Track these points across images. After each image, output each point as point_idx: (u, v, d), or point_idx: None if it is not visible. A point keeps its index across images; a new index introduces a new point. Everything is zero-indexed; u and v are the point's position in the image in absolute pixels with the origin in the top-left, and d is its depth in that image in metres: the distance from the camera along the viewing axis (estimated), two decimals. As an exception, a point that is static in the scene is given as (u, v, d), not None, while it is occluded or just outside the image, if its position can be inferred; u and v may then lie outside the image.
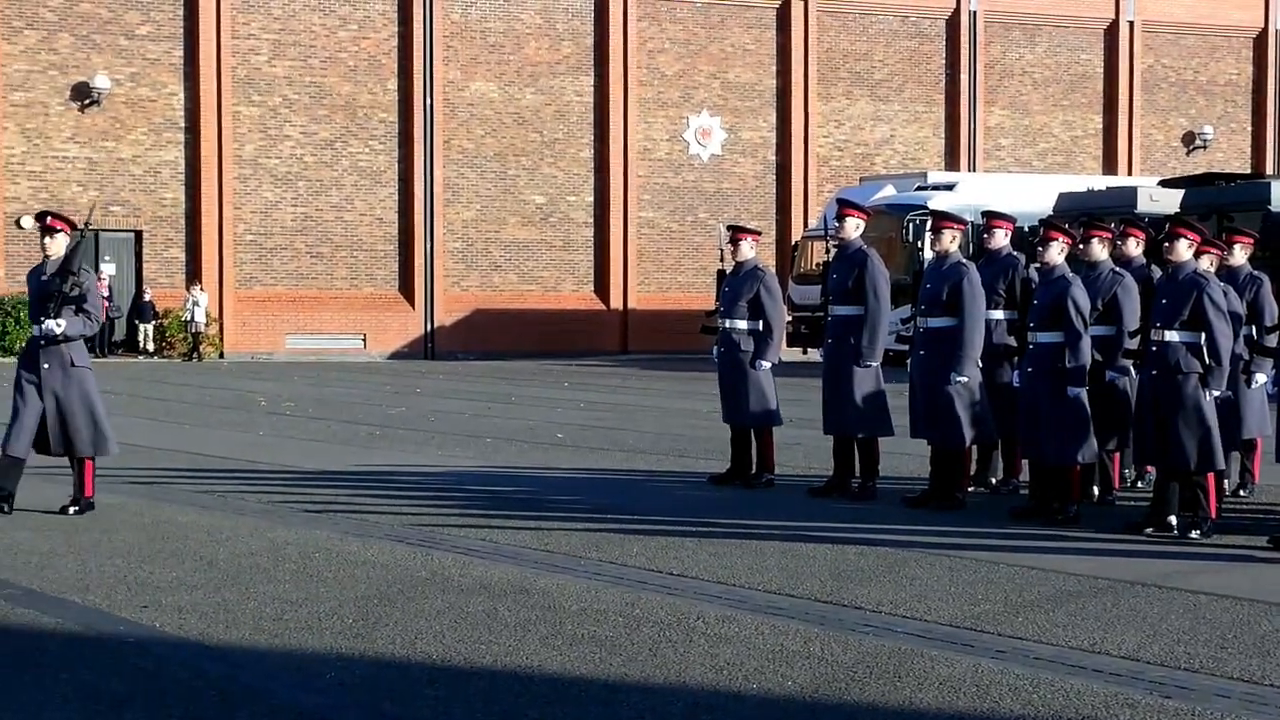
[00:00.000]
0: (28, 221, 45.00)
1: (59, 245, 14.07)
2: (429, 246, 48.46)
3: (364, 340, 47.94)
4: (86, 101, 45.74)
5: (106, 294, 44.83)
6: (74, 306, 13.82)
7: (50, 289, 13.87)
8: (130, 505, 14.74)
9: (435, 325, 48.66)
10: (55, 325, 13.78)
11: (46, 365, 13.89)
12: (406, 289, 48.66)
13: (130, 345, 46.31)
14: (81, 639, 9.28)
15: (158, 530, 13.22)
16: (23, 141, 45.39)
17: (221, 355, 46.26)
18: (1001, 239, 15.46)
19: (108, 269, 45.99)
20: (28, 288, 14.44)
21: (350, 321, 47.79)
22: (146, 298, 45.98)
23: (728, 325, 16.55)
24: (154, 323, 46.08)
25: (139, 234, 46.54)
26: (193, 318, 45.17)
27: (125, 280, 46.41)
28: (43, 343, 13.89)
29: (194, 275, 46.06)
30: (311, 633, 9.34)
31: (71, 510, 13.98)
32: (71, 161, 45.80)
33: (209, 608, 10.00)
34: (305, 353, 46.90)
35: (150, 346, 45.98)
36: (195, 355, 45.23)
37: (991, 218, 15.61)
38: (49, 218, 14.20)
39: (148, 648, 9.03)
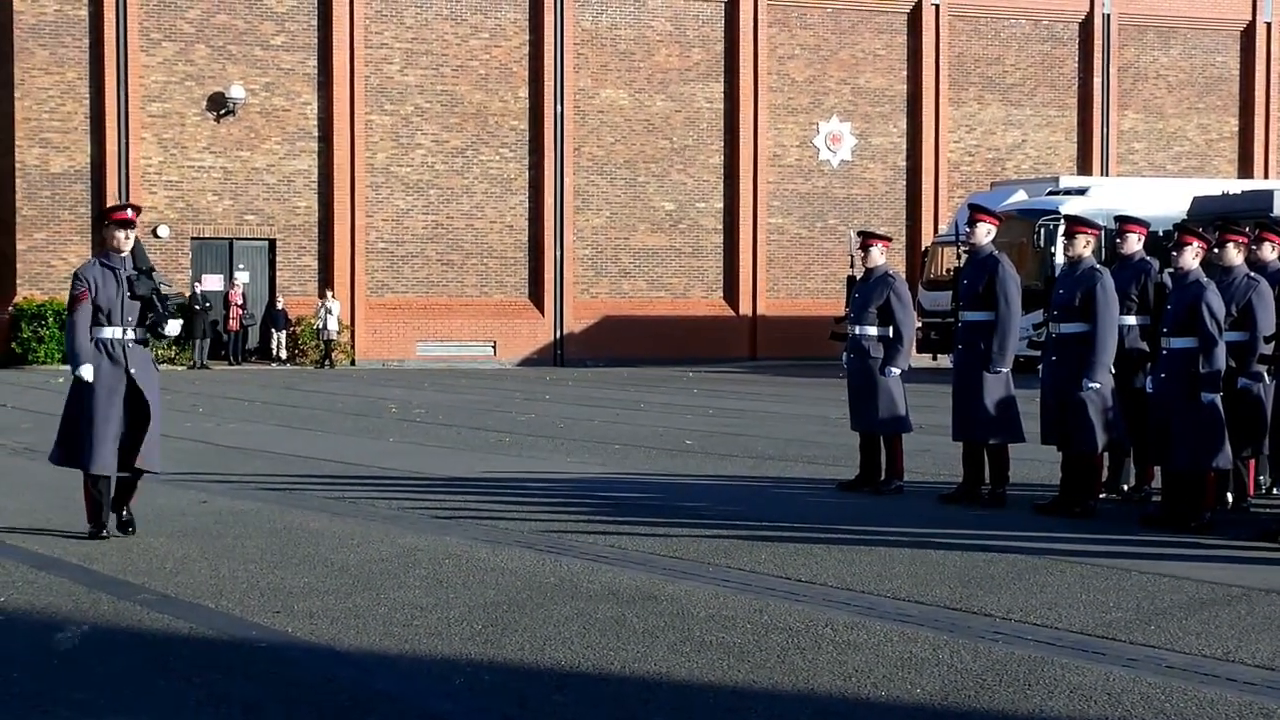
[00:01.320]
0: (164, 231, 45.59)
1: (132, 240, 13.22)
2: (559, 253, 48.64)
3: (494, 347, 48.18)
4: (222, 111, 46.27)
5: (241, 302, 45.41)
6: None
7: (142, 288, 13.05)
8: (263, 511, 14.88)
9: (565, 332, 48.82)
10: (177, 326, 13.27)
11: (134, 369, 13.04)
12: (536, 296, 48.85)
13: (264, 353, 46.80)
14: (214, 644, 9.37)
15: (289, 536, 13.34)
16: (160, 152, 45.96)
17: (353, 362, 46.63)
18: (1134, 244, 15.33)
19: (241, 277, 46.51)
20: (95, 286, 12.98)
21: (480, 329, 48.05)
22: (279, 306, 46.45)
23: (858, 331, 16.52)
24: (287, 330, 46.55)
25: (273, 242, 47.02)
26: (325, 325, 45.57)
27: (259, 288, 46.90)
28: (129, 345, 13.04)
29: (326, 283, 46.47)
30: (441, 638, 9.38)
31: (130, 530, 13.33)
32: (207, 171, 46.33)
33: (340, 613, 10.08)
34: (436, 360, 47.20)
35: (283, 354, 46.44)
36: (328, 363, 45.62)
37: (1124, 222, 15.47)
38: (131, 210, 13.33)
39: (280, 652, 9.11)
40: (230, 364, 45.44)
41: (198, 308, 44.22)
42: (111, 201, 44.57)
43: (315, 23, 46.88)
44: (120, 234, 13.12)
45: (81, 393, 13.02)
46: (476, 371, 44.37)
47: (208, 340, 44.88)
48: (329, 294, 45.90)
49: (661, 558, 12.34)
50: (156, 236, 45.58)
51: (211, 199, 46.23)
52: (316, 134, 47.05)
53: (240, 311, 45.88)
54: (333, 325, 45.60)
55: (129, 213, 13.25)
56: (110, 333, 13.03)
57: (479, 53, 48.38)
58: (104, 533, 13.13)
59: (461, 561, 12.01)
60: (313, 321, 46.07)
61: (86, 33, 45.29)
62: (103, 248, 13.33)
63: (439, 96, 48.07)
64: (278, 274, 46.98)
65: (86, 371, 12.95)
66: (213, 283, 46.03)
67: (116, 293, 13.06)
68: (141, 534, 13.32)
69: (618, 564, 12.00)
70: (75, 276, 13.16)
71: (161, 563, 11.99)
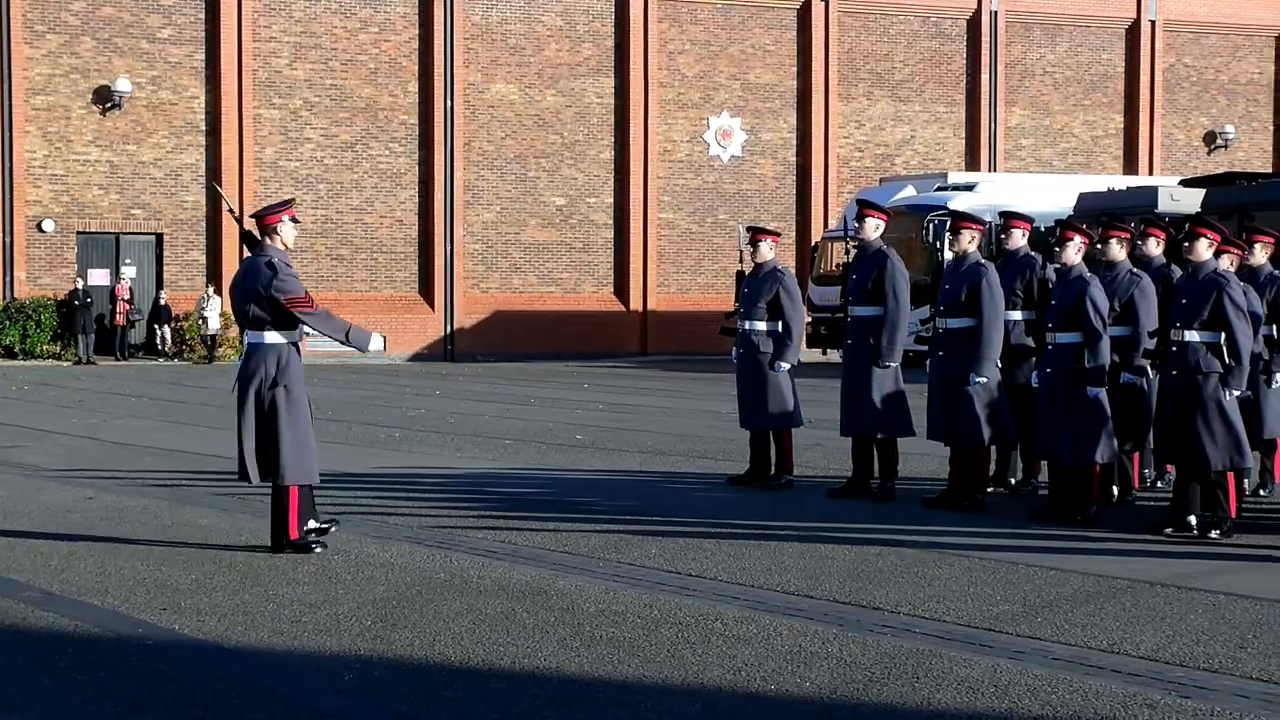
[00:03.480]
0: (49, 225, 45.12)
1: None
2: (449, 248, 48.50)
3: (384, 343, 47.94)
4: (108, 105, 45.84)
5: (127, 297, 45.00)
6: None
7: None
8: (150, 508, 14.76)
9: (455, 327, 48.68)
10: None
11: None
12: (426, 291, 48.69)
13: (150, 348, 46.38)
14: (101, 641, 9.30)
15: (177, 532, 13.25)
16: (44, 145, 45.48)
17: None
18: (1019, 239, 15.44)
19: (128, 272, 46.08)
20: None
21: (370, 323, 47.62)
22: (163, 301, 46.02)
23: (747, 326, 16.56)
24: (170, 325, 46.11)
25: (160, 237, 46.61)
26: (205, 321, 45.18)
27: (146, 283, 46.47)
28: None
29: (213, 278, 46.11)
30: (330, 634, 9.35)
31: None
32: (93, 165, 45.89)
33: (228, 610, 10.02)
34: (325, 355, 46.88)
35: (170, 350, 46.00)
36: (207, 358, 45.24)
37: (1009, 218, 15.60)
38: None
39: (167, 650, 9.04)
40: (117, 359, 45.04)
41: (77, 303, 43.87)
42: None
43: (203, 16, 46.51)
44: (294, 231, 12.49)
45: (291, 406, 12.25)
46: (366, 366, 44.18)
47: (92, 336, 44.48)
48: (209, 289, 45.53)
49: (552, 553, 12.34)
50: (41, 231, 45.14)
51: (97, 193, 45.78)
52: (204, 128, 46.68)
53: (127, 307, 45.45)
54: (214, 320, 45.21)
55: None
56: (297, 336, 12.46)
57: (368, 47, 48.17)
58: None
59: (351, 557, 11.97)
60: (202, 316, 45.64)
61: (-31, 24, 44.77)
62: (260, 248, 12.32)
63: (328, 91, 47.81)
64: (165, 269, 46.58)
65: (378, 342, 12.47)
66: (99, 277, 45.61)
67: None
68: (26, 531, 13.18)
69: (508, 559, 11.99)
70: (291, 272, 12.26)
71: (47, 560, 11.88)
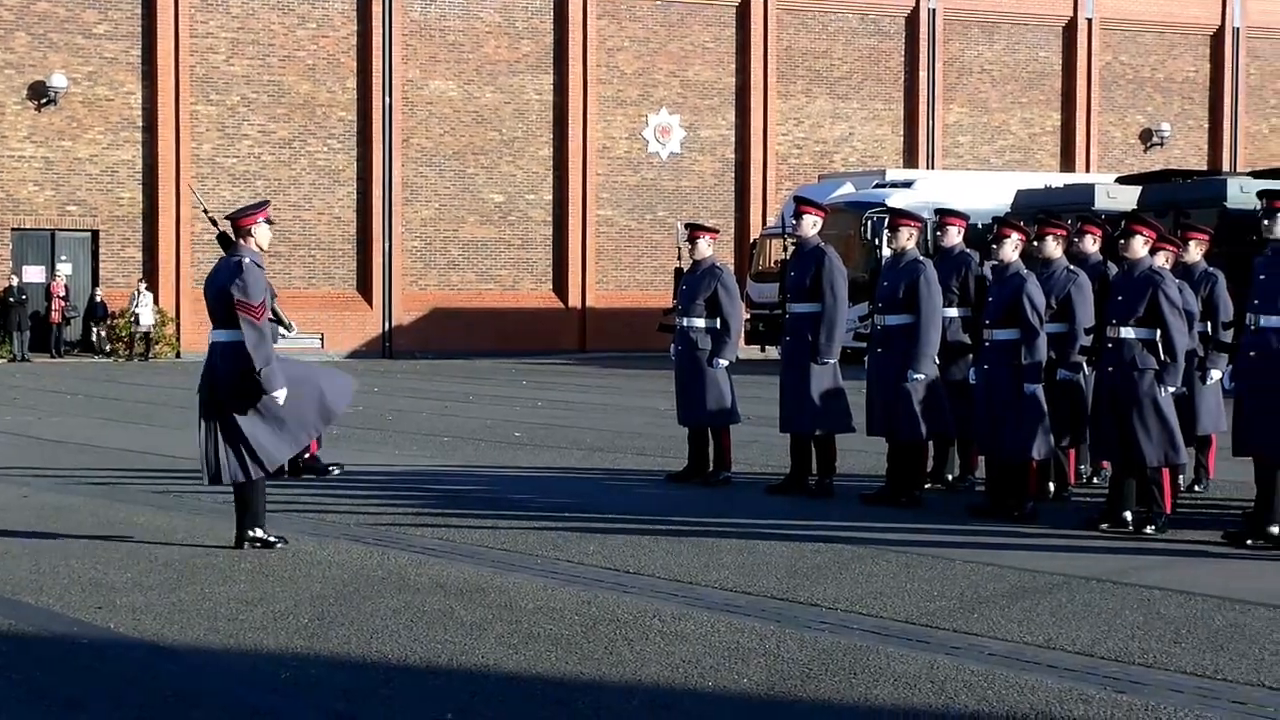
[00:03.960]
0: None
1: None
2: (387, 245, 48.37)
3: (321, 340, 47.75)
4: (43, 100, 45.53)
5: (63, 294, 44.70)
6: None
7: None
8: (86, 505, 14.68)
9: (393, 324, 48.55)
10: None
11: None
12: (364, 288, 48.55)
13: (86, 345, 46.11)
14: (35, 640, 9.24)
15: (113, 530, 13.17)
16: (-22, 141, 45.20)
17: (178, 355, 46.06)
18: (955, 236, 15.49)
19: (64, 269, 45.78)
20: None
21: (308, 321, 47.51)
22: (98, 298, 45.74)
23: (685, 323, 16.57)
24: (105, 322, 45.83)
25: (95, 234, 46.34)
26: (137, 319, 44.89)
27: (82, 280, 46.18)
28: None
29: (149, 275, 45.86)
30: (266, 632, 9.31)
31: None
32: (28, 161, 45.58)
33: (164, 608, 9.97)
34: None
35: (107, 347, 45.73)
36: (144, 355, 44.98)
37: (945, 215, 15.64)
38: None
39: (102, 648, 8.99)
40: (52, 357, 44.77)
41: (12, 300, 43.61)
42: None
43: (139, 11, 46.25)
44: (269, 233, 12.47)
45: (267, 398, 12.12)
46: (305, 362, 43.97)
47: (27, 333, 44.20)
48: (141, 286, 45.26)
49: (490, 550, 12.33)
50: (-24, 227, 44.83)
51: (32, 189, 45.49)
52: (141, 124, 46.42)
53: (63, 304, 45.16)
54: (146, 317, 44.94)
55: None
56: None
57: (306, 43, 47.99)
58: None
59: (287, 555, 11.93)
60: (134, 313, 45.35)
61: (-97, 19, 44.43)
62: (234, 249, 12.31)
63: (266, 87, 47.62)
64: (101, 266, 46.31)
65: (282, 395, 12.14)
66: (34, 274, 45.33)
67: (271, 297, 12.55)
68: (-40, 530, 13.11)
69: (445, 556, 11.98)
70: (257, 276, 12.16)
71: (-20, 559, 11.80)
